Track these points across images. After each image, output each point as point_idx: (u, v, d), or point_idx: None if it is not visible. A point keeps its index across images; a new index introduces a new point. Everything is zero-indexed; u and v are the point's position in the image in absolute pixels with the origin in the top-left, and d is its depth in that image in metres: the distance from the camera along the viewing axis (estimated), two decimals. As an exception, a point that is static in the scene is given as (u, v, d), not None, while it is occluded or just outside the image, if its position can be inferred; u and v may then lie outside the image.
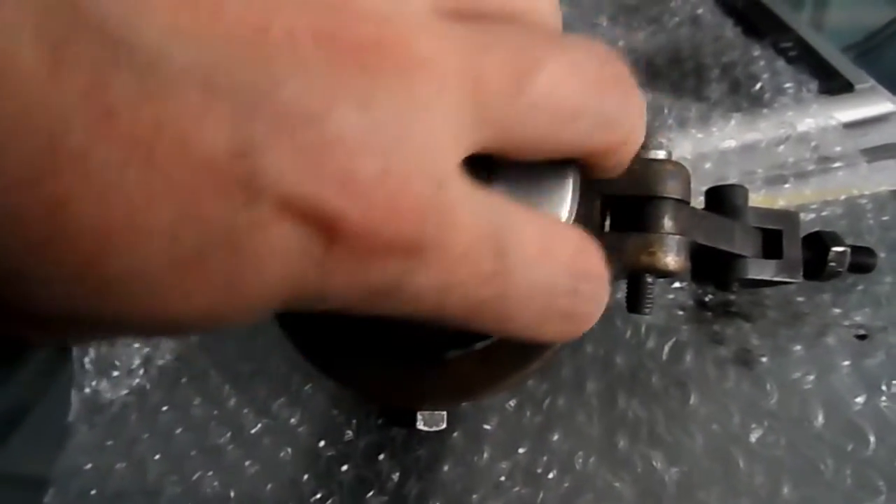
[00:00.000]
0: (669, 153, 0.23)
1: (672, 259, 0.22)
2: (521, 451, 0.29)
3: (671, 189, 0.22)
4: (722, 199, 0.27)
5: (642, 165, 0.23)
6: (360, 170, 0.12)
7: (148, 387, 0.35)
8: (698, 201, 0.27)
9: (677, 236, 0.22)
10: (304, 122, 0.12)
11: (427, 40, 0.13)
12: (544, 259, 0.16)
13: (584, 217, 0.22)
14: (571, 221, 0.21)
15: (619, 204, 0.23)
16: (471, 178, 0.15)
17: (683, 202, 0.23)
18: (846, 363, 0.28)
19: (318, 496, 0.30)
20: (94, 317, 0.13)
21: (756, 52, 0.41)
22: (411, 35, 0.13)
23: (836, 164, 0.34)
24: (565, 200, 0.21)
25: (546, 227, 0.17)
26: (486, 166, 0.21)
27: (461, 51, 0.14)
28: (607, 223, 0.23)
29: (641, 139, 0.18)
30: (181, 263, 0.12)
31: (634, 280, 0.23)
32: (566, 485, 0.28)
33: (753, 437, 0.27)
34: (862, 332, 0.29)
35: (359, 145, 0.12)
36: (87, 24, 0.11)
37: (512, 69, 0.14)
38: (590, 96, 0.16)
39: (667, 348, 0.30)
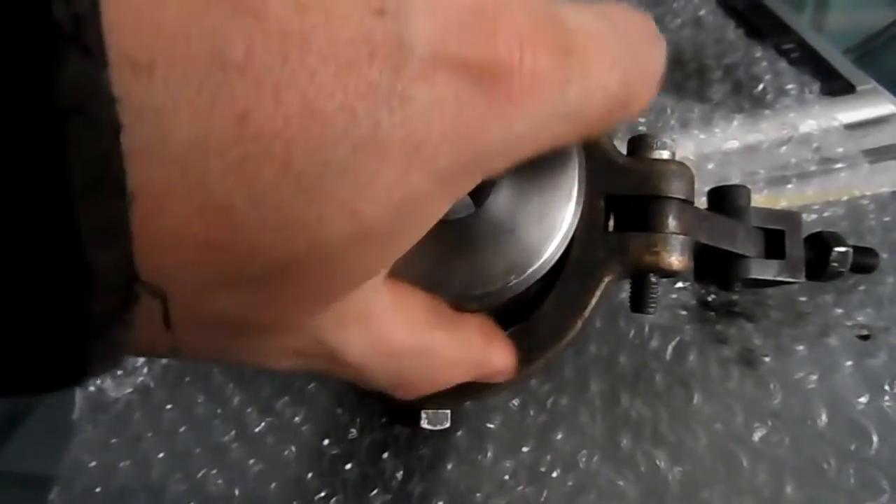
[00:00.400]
0: (673, 153, 0.23)
1: (676, 259, 0.22)
2: (524, 450, 0.29)
3: (675, 189, 0.22)
4: (724, 200, 0.27)
5: (646, 165, 0.23)
6: (497, 13, 0.13)
7: (152, 385, 0.35)
8: (701, 202, 0.27)
9: (681, 236, 0.22)
10: None
11: None
12: (644, 29, 0.18)
13: (588, 216, 0.22)
14: (577, 215, 0.21)
15: (623, 204, 0.23)
16: None
17: (687, 202, 0.23)
18: (849, 363, 0.28)
19: (323, 494, 0.30)
20: (299, 240, 0.13)
21: (758, 54, 0.41)
22: None
23: (838, 165, 0.34)
24: (570, 201, 0.21)
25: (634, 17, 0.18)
26: None
27: None
28: (611, 223, 0.23)
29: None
30: (362, 138, 0.12)
31: (638, 280, 0.23)
32: (570, 484, 0.28)
33: (757, 437, 0.27)
34: (864, 332, 0.29)
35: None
36: None
37: None
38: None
39: (670, 348, 0.30)
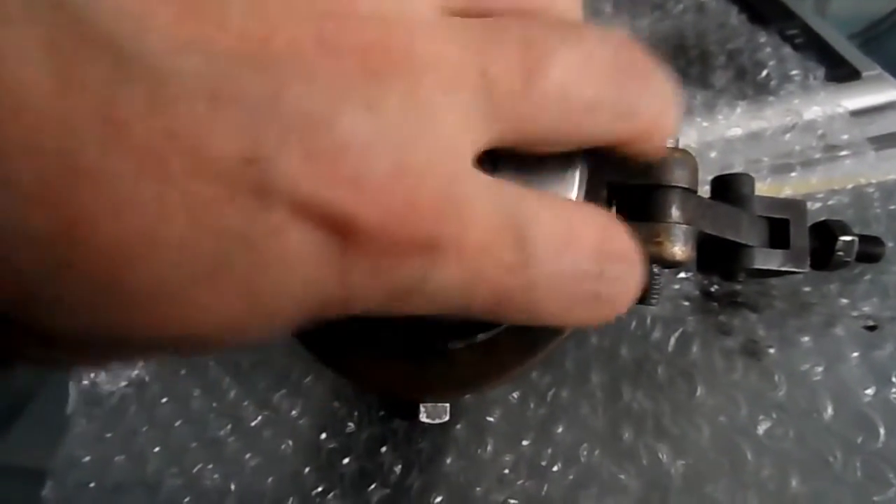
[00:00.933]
0: (676, 141, 0.23)
1: (679, 249, 0.22)
2: (524, 443, 0.29)
3: (678, 178, 0.22)
4: (728, 188, 0.26)
5: (649, 154, 0.22)
6: (372, 170, 0.12)
7: (147, 378, 0.34)
8: (704, 190, 0.26)
9: (684, 226, 0.22)
10: (311, 127, 0.12)
11: (432, 41, 0.13)
12: (567, 245, 0.16)
13: None
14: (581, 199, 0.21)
15: (626, 193, 0.22)
16: (484, 171, 0.15)
17: (690, 191, 0.22)
18: (855, 354, 0.27)
19: (320, 489, 0.29)
20: (115, 336, 0.13)
21: (762, 40, 0.40)
22: (416, 36, 0.13)
23: (843, 153, 0.33)
24: (572, 191, 0.20)
25: (566, 212, 0.16)
26: (490, 158, 0.21)
27: (468, 48, 0.14)
28: (613, 212, 0.23)
29: (672, 122, 0.17)
30: (200, 275, 0.12)
31: (641, 270, 0.23)
32: (571, 477, 0.28)
33: (761, 430, 0.27)
34: (871, 322, 0.28)
35: (369, 146, 0.12)
36: (95, 40, 0.11)
37: (521, 64, 0.14)
38: (605, 86, 0.15)
39: (673, 339, 0.29)
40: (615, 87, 0.16)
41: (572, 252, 0.16)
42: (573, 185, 0.21)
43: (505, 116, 0.14)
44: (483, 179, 0.15)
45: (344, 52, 0.12)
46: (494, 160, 0.19)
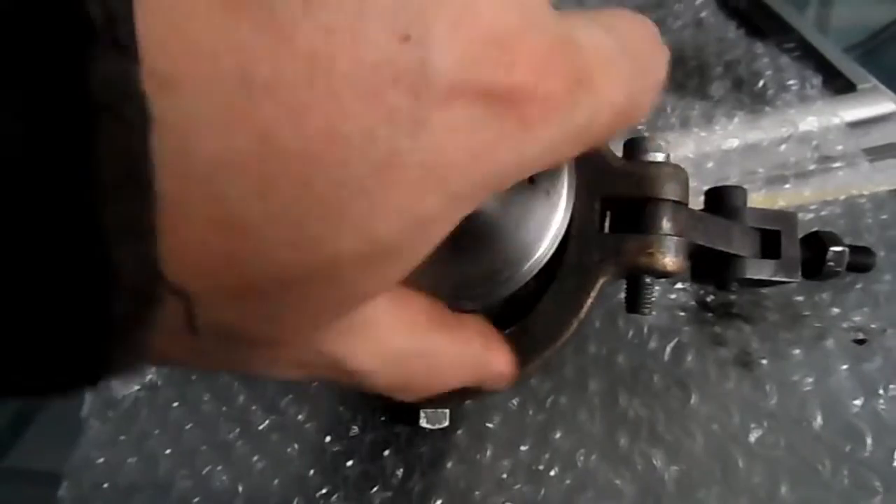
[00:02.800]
0: (668, 155, 0.24)
1: (670, 260, 0.23)
2: (523, 448, 0.29)
3: (669, 191, 0.23)
4: (721, 200, 0.27)
5: (641, 167, 0.23)
6: (507, 29, 0.14)
7: (159, 383, 0.35)
8: (699, 201, 0.27)
9: (675, 237, 0.22)
10: (458, 4, 0.13)
11: None
12: (646, 38, 0.18)
13: (584, 217, 0.23)
14: (567, 215, 0.21)
15: (619, 205, 0.23)
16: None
17: (681, 204, 0.23)
18: (844, 367, 0.28)
19: (324, 491, 0.30)
20: (315, 256, 0.13)
21: (759, 51, 0.41)
22: None
23: (837, 164, 0.34)
24: (561, 194, 0.21)
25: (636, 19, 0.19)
26: None
27: None
28: (606, 224, 0.24)
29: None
30: (382, 161, 0.12)
31: (633, 281, 0.24)
32: (568, 482, 0.28)
33: (753, 438, 0.27)
34: (860, 336, 0.29)
35: (514, 22, 0.14)
36: None
37: None
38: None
39: (668, 349, 0.30)
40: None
41: (651, 48, 0.18)
42: (561, 195, 0.21)
43: None
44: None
45: None
46: None
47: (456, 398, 0.23)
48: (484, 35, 0.13)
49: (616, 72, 0.16)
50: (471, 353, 0.21)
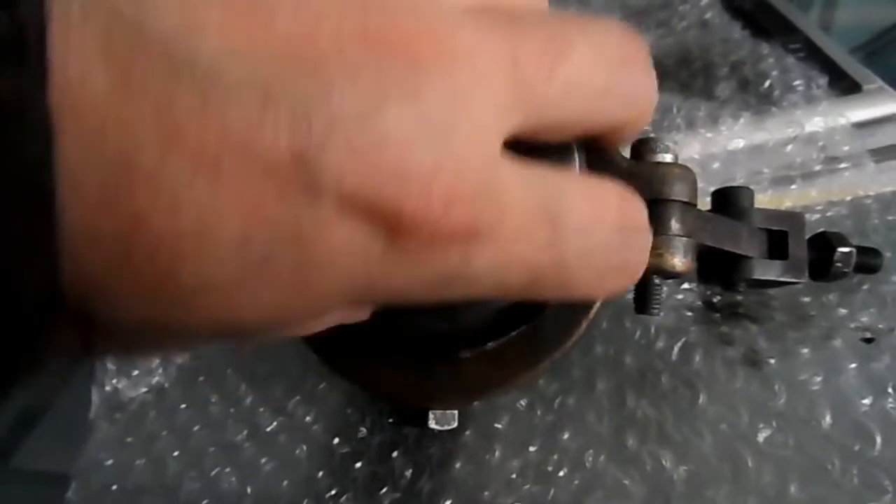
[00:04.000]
0: (676, 156, 0.24)
1: (679, 261, 0.23)
2: (532, 449, 0.29)
3: (678, 192, 0.23)
4: (728, 201, 0.27)
5: (649, 168, 0.23)
6: (416, 162, 0.13)
7: (167, 385, 0.35)
8: (705, 202, 0.27)
9: (684, 238, 0.22)
10: (357, 122, 0.12)
11: (465, 31, 0.14)
12: (595, 219, 0.17)
13: None
14: None
15: (627, 207, 0.23)
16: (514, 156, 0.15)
17: (690, 204, 0.23)
18: (853, 365, 0.28)
19: (333, 492, 0.30)
20: (169, 326, 0.13)
21: (765, 51, 0.41)
22: (449, 27, 0.14)
23: (843, 165, 0.34)
24: None
25: (591, 186, 0.17)
26: None
27: (497, 40, 0.15)
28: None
29: (650, 115, 0.19)
30: (251, 267, 0.13)
31: (642, 281, 0.24)
32: (576, 482, 0.28)
33: (761, 437, 0.27)
34: (868, 335, 0.29)
35: (412, 138, 0.13)
36: (149, 43, 0.11)
37: (545, 54, 0.15)
38: (615, 74, 0.17)
39: (676, 349, 0.30)
40: (623, 74, 0.17)
41: (600, 226, 0.17)
42: None
43: (531, 102, 0.15)
44: (514, 163, 0.15)
45: (383, 44, 0.13)
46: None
47: (469, 394, 0.23)
48: (386, 168, 0.13)
49: (536, 235, 0.15)
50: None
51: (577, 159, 0.20)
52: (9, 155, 0.10)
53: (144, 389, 0.35)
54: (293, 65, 0.12)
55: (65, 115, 0.10)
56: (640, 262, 0.19)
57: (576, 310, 0.24)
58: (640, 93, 0.18)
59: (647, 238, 0.19)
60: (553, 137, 0.17)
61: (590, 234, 0.16)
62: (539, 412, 0.30)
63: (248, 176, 0.12)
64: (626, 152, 0.24)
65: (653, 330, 0.30)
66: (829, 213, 0.33)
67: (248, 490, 0.31)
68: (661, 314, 0.30)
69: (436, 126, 0.13)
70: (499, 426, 0.30)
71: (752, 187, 0.27)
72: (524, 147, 0.17)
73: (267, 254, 0.12)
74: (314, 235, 0.13)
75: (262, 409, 0.33)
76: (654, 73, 0.18)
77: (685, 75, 0.41)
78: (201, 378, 0.35)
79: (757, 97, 0.39)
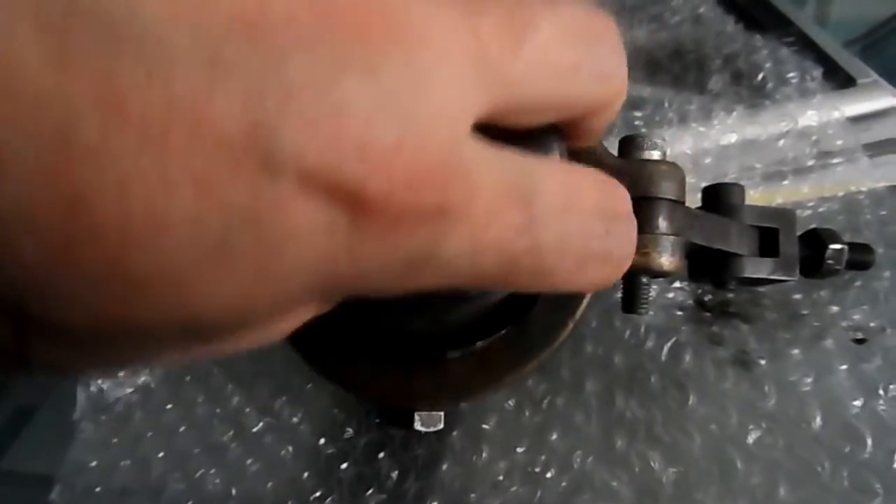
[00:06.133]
0: (664, 153, 0.23)
1: (666, 259, 0.22)
2: (519, 450, 0.29)
3: (665, 190, 0.22)
4: (718, 198, 0.26)
5: (637, 166, 0.23)
6: (376, 137, 0.12)
7: (152, 385, 0.35)
8: (697, 197, 0.27)
9: (672, 236, 0.22)
10: (313, 94, 0.12)
11: (422, 8, 0.13)
12: (572, 203, 0.16)
13: None
14: None
15: (614, 205, 0.23)
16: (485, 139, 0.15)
17: (678, 202, 0.23)
18: (844, 367, 0.27)
19: (318, 494, 0.30)
20: (121, 326, 0.12)
21: (759, 43, 0.40)
22: (406, 4, 0.13)
23: (836, 160, 0.33)
24: None
25: (568, 171, 0.17)
26: None
27: (457, 16, 0.14)
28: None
29: (624, 94, 0.18)
30: (206, 254, 0.12)
31: (630, 280, 0.23)
32: (564, 484, 0.28)
33: (751, 439, 0.27)
34: (860, 335, 0.28)
35: (371, 113, 0.12)
36: (86, 13, 0.10)
37: (509, 29, 0.14)
38: (584, 49, 0.16)
39: (666, 349, 0.30)
40: (593, 50, 0.16)
41: (577, 211, 0.16)
42: None
43: (497, 80, 0.14)
44: (483, 145, 0.15)
45: (338, 20, 0.12)
46: None
47: (457, 395, 0.22)
48: (346, 142, 0.12)
49: (509, 217, 0.15)
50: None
51: (556, 148, 0.19)
52: None
53: (130, 390, 0.35)
54: (243, 35, 0.11)
55: None
56: (624, 253, 0.18)
57: (563, 310, 0.24)
58: (611, 70, 0.17)
59: (631, 228, 0.18)
60: (526, 120, 0.16)
61: (566, 218, 0.16)
62: (527, 413, 0.30)
63: (199, 151, 0.11)
64: (614, 149, 0.23)
65: (643, 329, 0.30)
66: (820, 209, 0.32)
67: (233, 491, 0.31)
68: (651, 313, 0.30)
69: (396, 102, 0.13)
70: (486, 427, 0.30)
71: (743, 183, 0.27)
72: (502, 135, 0.17)
73: (223, 236, 0.12)
74: (273, 215, 0.12)
75: (248, 410, 0.33)
76: (624, 52, 0.17)
77: (677, 68, 0.40)
78: (187, 378, 0.35)
79: (750, 90, 0.38)
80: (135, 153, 0.11)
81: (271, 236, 0.12)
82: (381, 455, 0.30)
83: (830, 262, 0.27)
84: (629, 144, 0.23)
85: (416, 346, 0.24)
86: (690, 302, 0.31)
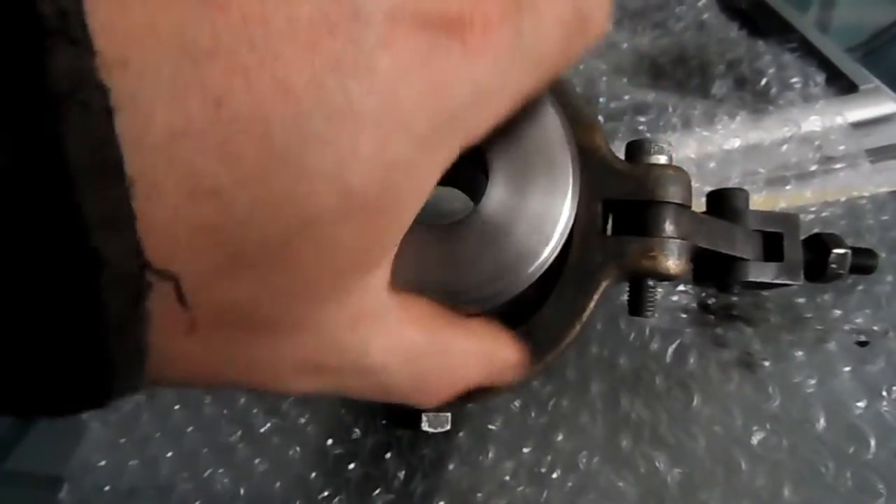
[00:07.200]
0: (670, 157, 0.24)
1: (673, 263, 0.22)
2: (525, 450, 0.29)
3: (672, 194, 0.23)
4: (723, 203, 0.27)
5: (643, 170, 0.23)
6: None
7: (160, 385, 0.35)
8: (701, 202, 0.27)
9: (678, 240, 0.22)
10: None
11: None
12: None
13: (586, 220, 0.23)
14: (572, 217, 0.21)
15: (621, 208, 0.23)
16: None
17: (684, 206, 0.23)
18: (847, 369, 0.28)
19: (326, 494, 0.30)
20: (286, 199, 0.13)
21: (762, 49, 0.41)
22: None
23: (839, 165, 0.34)
24: (566, 196, 0.21)
25: None
26: (482, 165, 0.21)
27: None
28: (609, 227, 0.23)
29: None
30: (335, 112, 0.13)
31: (636, 284, 0.24)
32: (570, 484, 0.28)
33: (755, 440, 0.27)
34: (863, 338, 0.29)
35: None
36: None
37: None
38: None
39: (670, 351, 0.30)
40: None
41: None
42: (567, 197, 0.21)
43: None
44: None
45: None
46: (485, 166, 0.20)
47: (465, 400, 0.23)
48: None
49: None
50: (482, 345, 0.21)
51: (571, 170, 0.20)
52: (75, 134, 0.10)
53: (138, 390, 0.35)
54: None
55: (118, 39, 0.11)
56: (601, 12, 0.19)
57: (569, 312, 0.24)
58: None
59: None
60: None
61: None
62: (533, 413, 0.30)
63: (295, 25, 0.12)
64: (621, 154, 0.24)
65: (647, 331, 0.30)
66: (823, 214, 0.33)
67: (242, 491, 0.31)
68: (656, 316, 0.30)
69: None
70: (492, 427, 0.30)
71: (746, 188, 0.27)
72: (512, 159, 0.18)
73: (344, 94, 0.13)
74: (378, 61, 0.13)
75: (255, 410, 0.33)
76: None
77: (681, 74, 0.41)
78: (195, 379, 0.35)
79: (753, 95, 0.39)
80: (247, 46, 0.12)
81: (384, 78, 0.13)
82: (388, 455, 0.30)
83: (834, 266, 0.27)
84: (636, 148, 0.24)
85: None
86: (694, 305, 0.31)
